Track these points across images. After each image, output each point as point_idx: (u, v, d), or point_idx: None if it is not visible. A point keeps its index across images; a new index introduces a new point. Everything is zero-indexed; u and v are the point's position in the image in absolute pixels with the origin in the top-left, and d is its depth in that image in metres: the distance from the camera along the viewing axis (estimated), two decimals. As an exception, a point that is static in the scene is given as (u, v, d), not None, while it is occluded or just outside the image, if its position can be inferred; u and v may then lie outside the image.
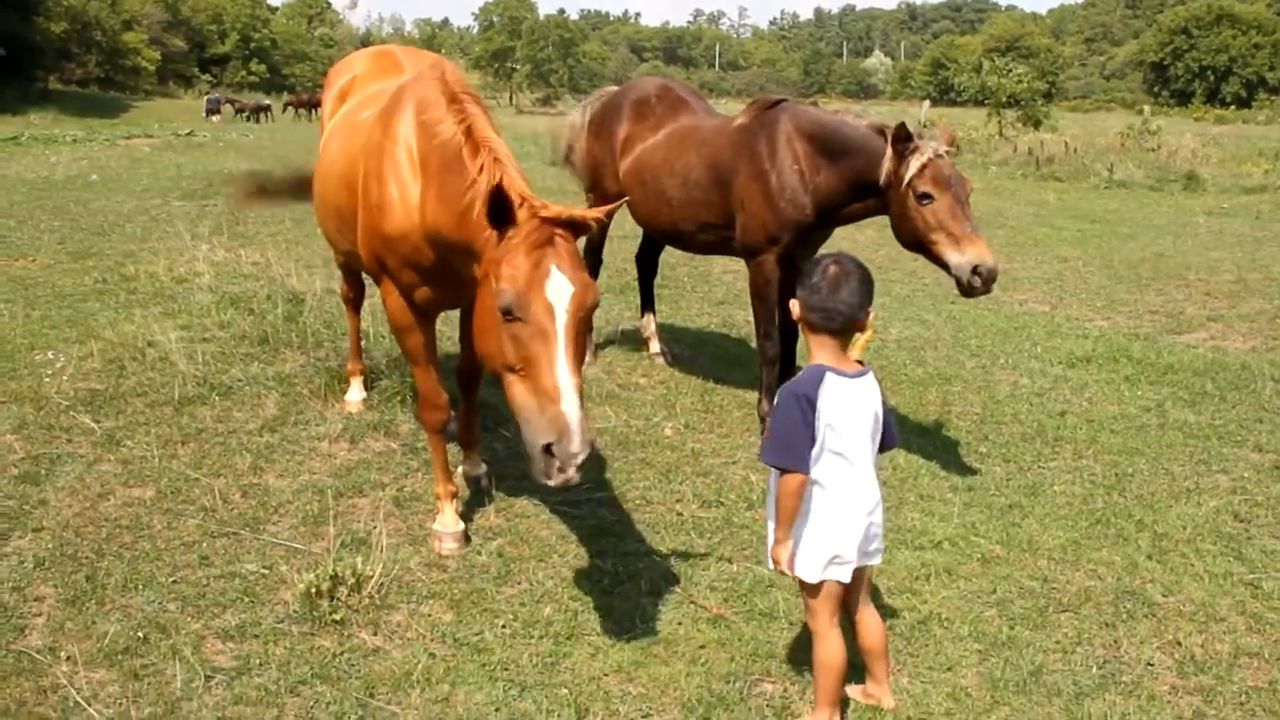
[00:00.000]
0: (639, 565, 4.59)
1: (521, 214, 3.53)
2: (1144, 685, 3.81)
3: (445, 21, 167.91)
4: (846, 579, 3.39)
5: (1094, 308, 10.48)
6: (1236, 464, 6.04)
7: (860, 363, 3.42)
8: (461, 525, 4.73)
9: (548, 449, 3.31)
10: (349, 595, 4.04)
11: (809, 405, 3.25)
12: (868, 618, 3.61)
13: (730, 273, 11.55)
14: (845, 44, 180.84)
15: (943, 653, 4.00)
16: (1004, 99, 31.53)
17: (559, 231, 3.51)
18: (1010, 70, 33.41)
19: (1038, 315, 10.03)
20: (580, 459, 3.29)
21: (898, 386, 7.54)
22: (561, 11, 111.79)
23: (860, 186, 5.76)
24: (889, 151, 5.48)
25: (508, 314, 3.42)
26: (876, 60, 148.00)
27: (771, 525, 3.42)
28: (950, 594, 4.45)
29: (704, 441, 6.26)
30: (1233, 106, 71.02)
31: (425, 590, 4.29)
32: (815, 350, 3.38)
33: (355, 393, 6.44)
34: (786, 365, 6.65)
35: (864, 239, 13.42)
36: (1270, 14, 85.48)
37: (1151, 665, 3.94)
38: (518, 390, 3.46)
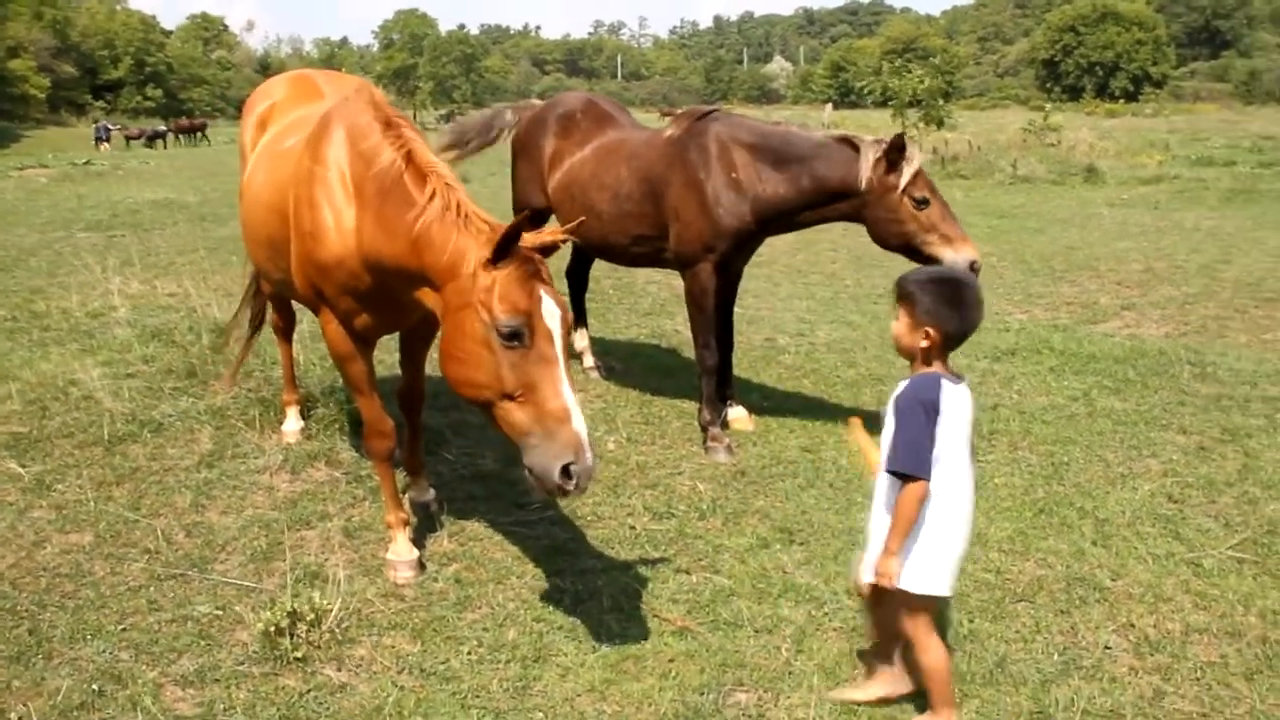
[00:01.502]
0: (598, 582, 4.57)
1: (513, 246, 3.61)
2: (1104, 668, 3.90)
3: (344, 40, 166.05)
4: (948, 591, 3.42)
5: (1012, 301, 10.72)
6: (1165, 447, 6.22)
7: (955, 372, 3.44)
8: (416, 553, 4.66)
9: (566, 469, 3.41)
10: (309, 631, 3.95)
11: (934, 411, 3.28)
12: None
13: (654, 283, 11.58)
14: (745, 50, 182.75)
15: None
16: (907, 100, 32.09)
17: (538, 256, 3.61)
18: (911, 72, 34.04)
19: (959, 311, 10.18)
20: (593, 473, 3.47)
21: (831, 389, 7.62)
22: (462, 27, 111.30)
23: (820, 194, 5.91)
24: (870, 159, 5.74)
25: (512, 342, 3.48)
26: (777, 65, 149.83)
27: (877, 537, 3.45)
28: (908, 592, 4.51)
29: (648, 454, 6.26)
30: (1121, 100, 73.21)
31: (386, 621, 4.21)
32: (933, 363, 3.37)
33: (292, 422, 6.31)
34: (724, 374, 6.70)
35: (781, 244, 13.52)
36: (1150, 11, 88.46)
37: (1109, 649, 4.03)
38: (519, 416, 3.52)
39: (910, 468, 3.29)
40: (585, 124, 7.00)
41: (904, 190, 5.71)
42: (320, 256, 4.33)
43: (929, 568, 3.37)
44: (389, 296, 4.24)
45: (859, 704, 3.68)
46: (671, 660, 3.95)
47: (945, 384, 3.32)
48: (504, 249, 3.55)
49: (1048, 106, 33.54)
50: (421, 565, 4.66)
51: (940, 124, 32.57)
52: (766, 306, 10.32)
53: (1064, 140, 28.06)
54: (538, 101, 8.08)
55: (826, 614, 4.32)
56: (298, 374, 6.65)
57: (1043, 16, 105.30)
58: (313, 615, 3.99)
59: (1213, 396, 7.15)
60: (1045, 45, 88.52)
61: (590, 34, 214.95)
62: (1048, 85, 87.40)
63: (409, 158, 4.04)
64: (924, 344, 3.35)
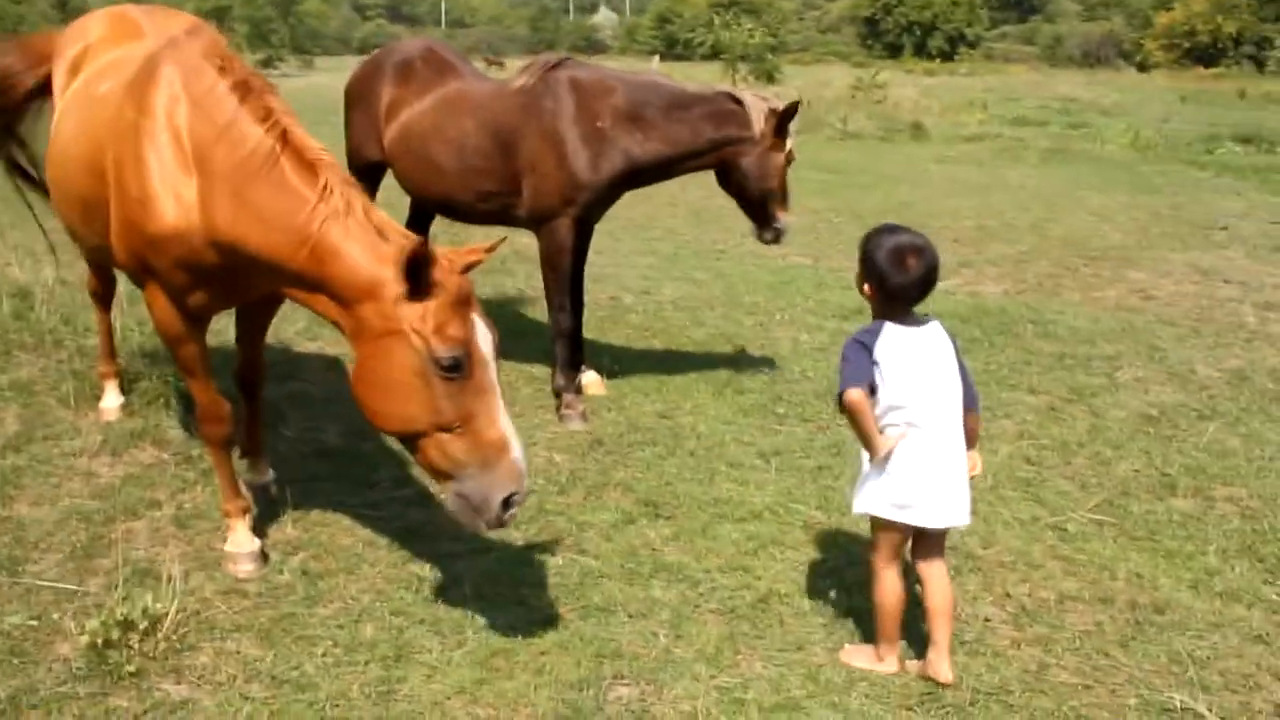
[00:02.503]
0: (458, 568, 4.27)
1: (440, 270, 3.30)
2: (986, 642, 3.85)
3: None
4: (920, 523, 3.52)
5: (853, 259, 10.62)
6: (1017, 408, 6.29)
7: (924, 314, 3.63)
8: (257, 543, 4.25)
9: (507, 500, 3.34)
10: (142, 641, 3.50)
11: (868, 349, 3.48)
12: (935, 577, 3.64)
13: (492, 239, 11.15)
14: (571, 1, 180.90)
15: (790, 632, 3.91)
16: (738, 54, 32.26)
17: (466, 276, 3.44)
18: (741, 25, 34.23)
19: (803, 269, 10.20)
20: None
21: (682, 350, 7.46)
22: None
23: (706, 143, 5.89)
24: (761, 113, 5.80)
25: (452, 373, 3.26)
26: (603, 16, 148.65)
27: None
28: (782, 567, 4.38)
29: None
30: (938, 59, 75.45)
31: (229, 623, 3.79)
32: (883, 315, 3.58)
33: (111, 398, 5.72)
34: (576, 337, 6.43)
35: (621, 199, 13.29)
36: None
37: (989, 620, 3.98)
38: (455, 448, 3.34)
39: (840, 388, 3.49)
40: (425, 73, 6.55)
41: (788, 151, 5.92)
42: (150, 228, 3.77)
43: (874, 496, 3.56)
44: (239, 278, 3.80)
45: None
46: (544, 653, 3.70)
47: (889, 327, 3.50)
48: (418, 279, 3.25)
49: (876, 65, 34.34)
50: (264, 556, 4.25)
51: (770, 78, 32.89)
52: (610, 263, 10.06)
53: (890, 97, 28.70)
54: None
55: (702, 594, 4.14)
56: (116, 342, 6.05)
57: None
58: (146, 621, 3.53)
59: (1056, 355, 7.29)
60: (867, 3, 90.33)
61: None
62: (868, 42, 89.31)
63: (284, 137, 3.55)
64: (868, 298, 3.63)
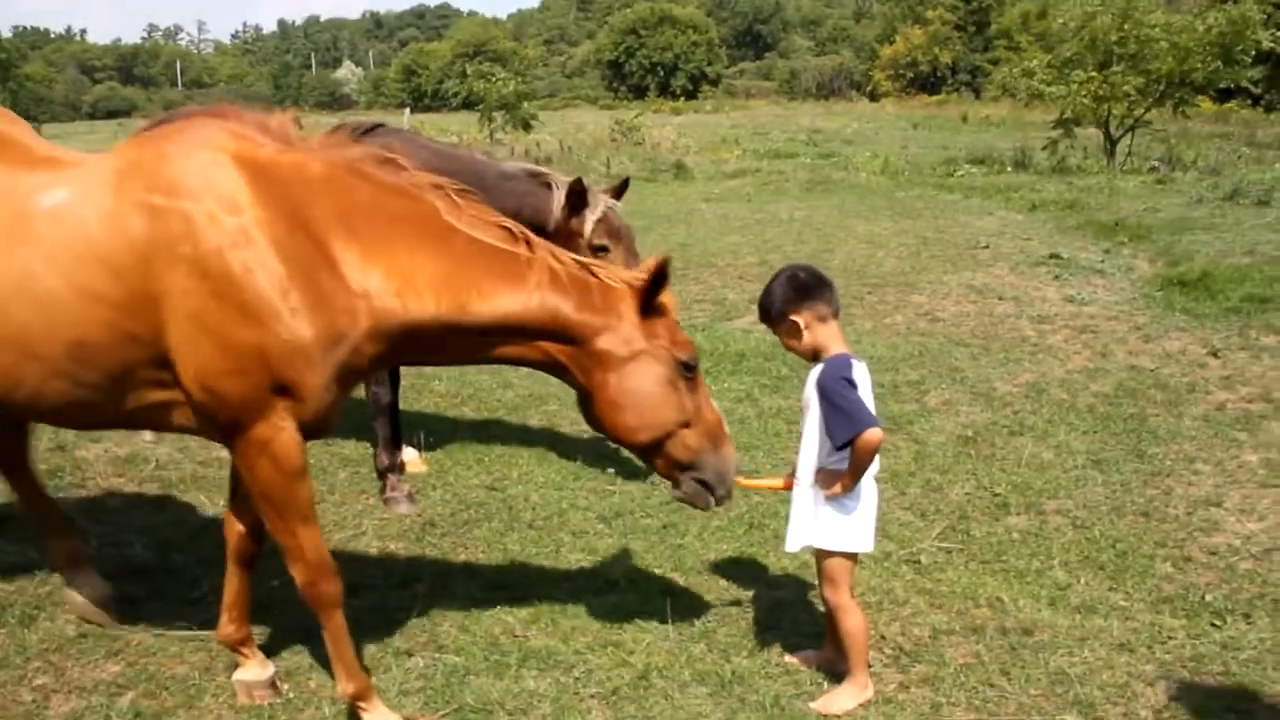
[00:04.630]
0: (312, 684, 3.90)
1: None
2: (876, 689, 3.79)
3: None
4: (870, 549, 3.82)
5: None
6: (841, 443, 6.36)
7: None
8: None
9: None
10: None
11: (852, 383, 3.57)
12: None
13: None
14: (314, 55, 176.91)
15: (678, 706, 3.74)
16: (495, 104, 32.22)
17: None
18: (495, 76, 34.22)
19: (601, 318, 10.11)
20: None
21: (495, 415, 7.25)
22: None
23: None
24: (558, 200, 5.51)
25: (690, 374, 3.63)
26: (347, 70, 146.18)
27: (800, 508, 3.78)
28: (653, 638, 4.21)
29: (319, 514, 5.55)
30: (683, 99, 77.89)
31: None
32: (830, 342, 3.68)
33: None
34: (394, 412, 6.09)
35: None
36: (702, 15, 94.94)
37: (871, 666, 3.92)
38: (692, 439, 3.67)
39: (857, 428, 3.49)
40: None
41: (588, 237, 5.58)
42: (311, 334, 3.23)
43: (850, 529, 3.67)
44: (408, 356, 3.79)
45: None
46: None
47: (855, 362, 3.65)
48: (655, 294, 3.55)
49: (623, 106, 35.02)
50: None
51: (527, 126, 33.01)
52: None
53: (648, 138, 29.29)
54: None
55: (578, 679, 3.92)
56: None
57: (605, 19, 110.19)
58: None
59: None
60: (610, 47, 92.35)
61: (144, 39, 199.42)
62: (614, 85, 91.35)
63: (434, 188, 3.50)
64: (806, 337, 3.69)
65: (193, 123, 3.48)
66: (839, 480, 3.63)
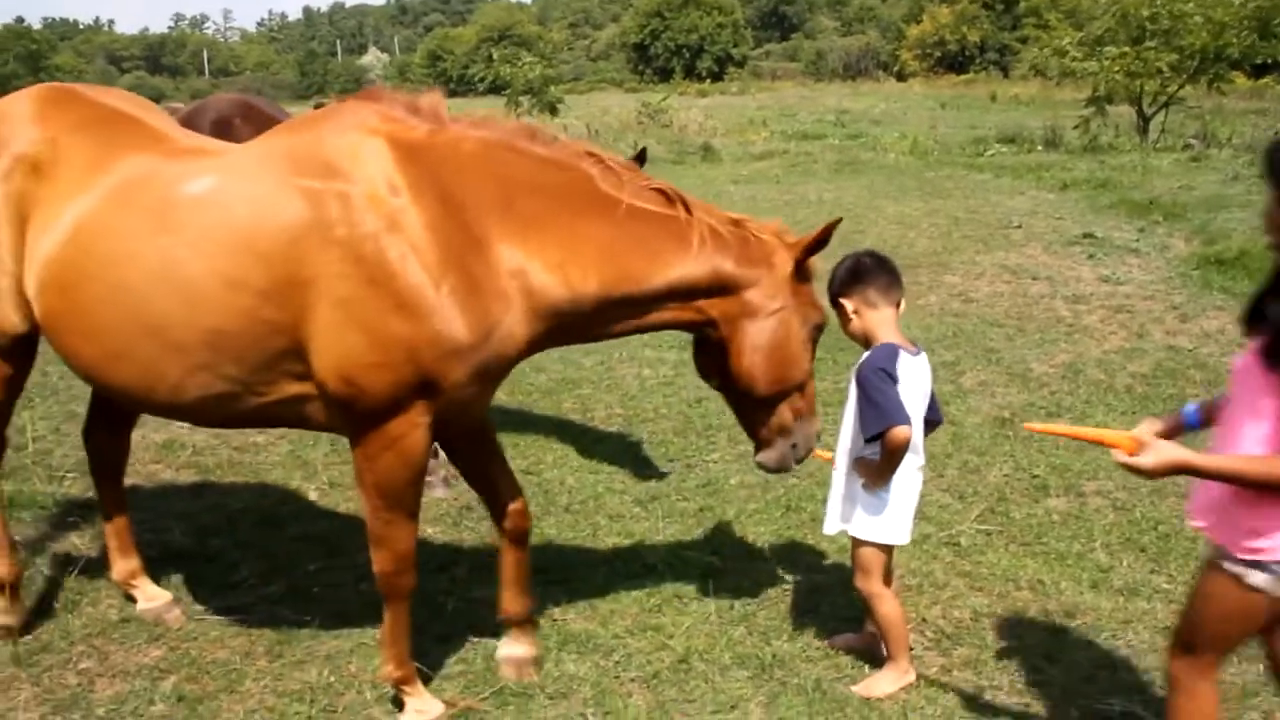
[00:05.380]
0: (351, 668, 3.92)
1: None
2: (918, 673, 3.76)
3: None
4: (905, 541, 3.75)
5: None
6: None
7: (913, 343, 3.70)
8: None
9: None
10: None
11: (893, 377, 3.51)
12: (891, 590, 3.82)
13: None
14: (339, 42, 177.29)
15: (719, 690, 3.73)
16: (521, 88, 32.14)
17: None
18: (521, 59, 34.14)
19: (631, 301, 10.09)
20: None
21: (528, 400, 7.23)
22: (21, 20, 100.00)
23: None
24: None
25: (817, 337, 3.70)
26: (373, 57, 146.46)
27: (836, 490, 3.77)
28: (692, 620, 4.20)
29: (354, 498, 5.54)
30: (709, 80, 77.49)
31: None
32: (881, 330, 3.63)
33: None
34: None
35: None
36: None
37: (912, 649, 3.89)
38: (798, 402, 3.71)
39: (884, 423, 3.45)
40: (246, 132, 6.12)
41: None
42: (464, 327, 3.17)
43: (883, 520, 3.63)
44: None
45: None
46: (472, 756, 3.42)
47: (902, 354, 3.56)
48: (814, 253, 3.60)
49: (648, 89, 34.90)
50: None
51: (553, 110, 32.92)
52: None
53: (675, 121, 29.17)
54: (178, 105, 7.07)
55: (618, 663, 3.92)
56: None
57: (630, 3, 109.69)
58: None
59: (900, 367, 7.41)
60: (635, 30, 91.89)
61: (171, 28, 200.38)
62: (639, 68, 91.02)
63: (587, 156, 3.49)
64: (855, 322, 3.67)
65: (343, 106, 3.44)
66: (873, 471, 3.60)
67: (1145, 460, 2.66)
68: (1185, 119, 24.23)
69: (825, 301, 3.73)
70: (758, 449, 3.81)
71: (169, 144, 3.55)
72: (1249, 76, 32.88)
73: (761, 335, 3.55)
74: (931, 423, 3.79)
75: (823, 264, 3.70)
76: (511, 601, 3.90)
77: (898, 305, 3.66)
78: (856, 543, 3.72)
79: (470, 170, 3.28)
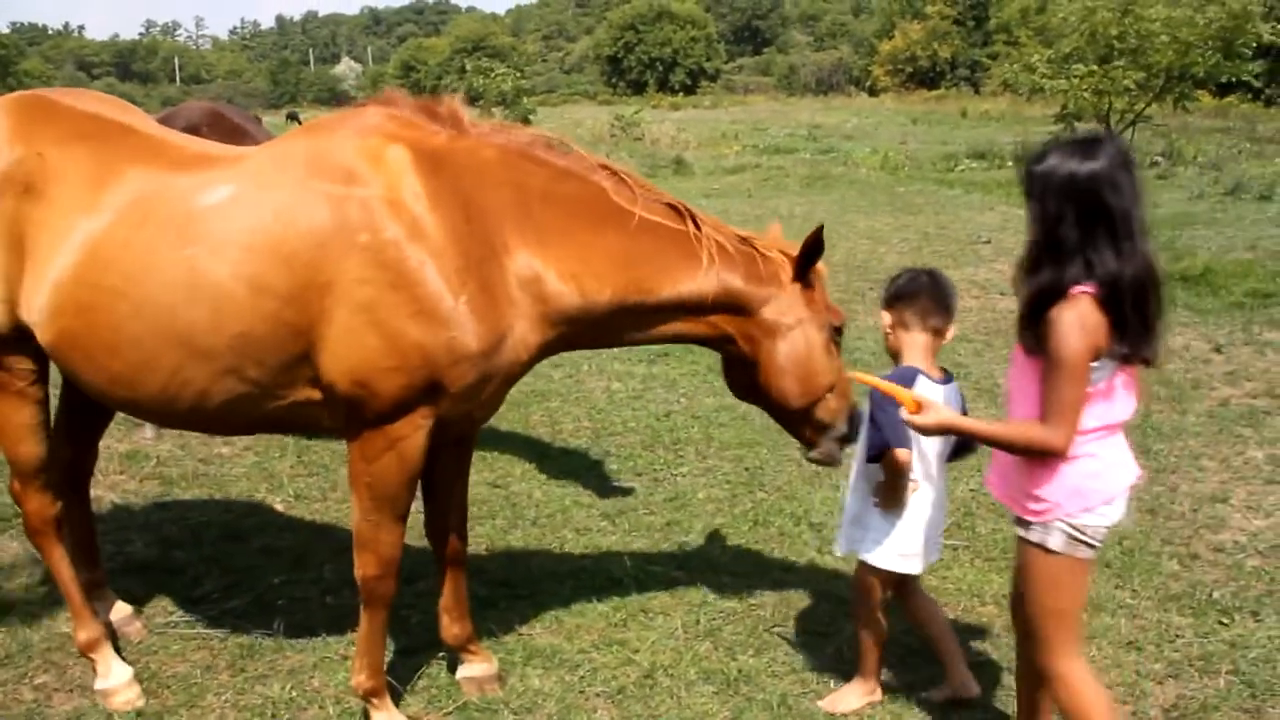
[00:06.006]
0: (314, 682, 3.89)
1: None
2: (888, 687, 3.78)
3: None
4: (916, 571, 3.64)
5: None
6: (845, 439, 6.33)
7: (945, 370, 3.62)
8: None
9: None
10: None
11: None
12: (925, 605, 3.81)
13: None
14: (312, 51, 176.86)
15: (684, 705, 3.73)
16: (494, 99, 32.18)
17: None
18: (494, 71, 34.20)
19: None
20: None
21: (497, 412, 7.19)
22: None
23: None
24: None
25: (838, 338, 3.72)
26: (346, 66, 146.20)
27: (850, 511, 3.71)
28: (658, 635, 4.19)
29: (321, 511, 5.55)
30: (681, 94, 77.83)
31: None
32: (908, 351, 3.56)
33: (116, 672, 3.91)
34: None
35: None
36: (701, 10, 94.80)
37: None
38: (833, 401, 3.70)
39: (882, 445, 3.44)
40: (212, 139, 6.09)
41: None
42: (478, 334, 3.20)
43: (891, 548, 3.56)
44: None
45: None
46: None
47: (921, 380, 3.46)
48: (811, 263, 3.59)
49: (621, 102, 34.98)
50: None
51: (526, 121, 32.97)
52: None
53: (648, 134, 29.26)
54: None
55: (583, 678, 3.90)
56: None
57: (603, 15, 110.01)
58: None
59: (868, 381, 7.43)
60: (608, 42, 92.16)
61: (142, 35, 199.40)
62: (613, 81, 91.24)
63: (601, 168, 3.51)
64: (890, 338, 3.65)
65: (362, 111, 3.45)
66: (882, 493, 3.56)
67: (924, 419, 3.01)
68: (1152, 137, 24.56)
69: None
70: (805, 447, 3.88)
71: (173, 153, 3.48)
72: (1214, 95, 33.35)
73: (785, 353, 3.60)
74: (961, 449, 3.63)
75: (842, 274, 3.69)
76: (451, 626, 3.88)
77: (936, 332, 3.55)
78: (862, 566, 3.68)
79: (490, 177, 3.32)
